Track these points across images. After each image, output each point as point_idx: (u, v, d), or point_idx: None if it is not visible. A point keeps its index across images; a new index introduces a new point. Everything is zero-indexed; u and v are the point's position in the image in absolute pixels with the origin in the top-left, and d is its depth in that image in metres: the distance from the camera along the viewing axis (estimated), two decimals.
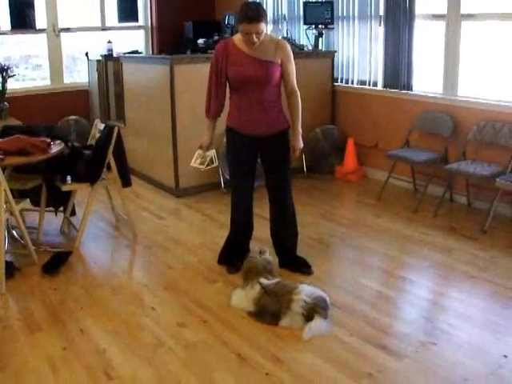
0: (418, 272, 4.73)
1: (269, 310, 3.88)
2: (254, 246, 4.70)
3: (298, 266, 4.70)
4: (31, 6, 8.34)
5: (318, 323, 3.74)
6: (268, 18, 7.12)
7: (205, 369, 3.41)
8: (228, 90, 4.49)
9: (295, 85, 4.52)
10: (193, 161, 4.66)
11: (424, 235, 5.44)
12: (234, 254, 4.75)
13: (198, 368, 3.41)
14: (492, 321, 3.91)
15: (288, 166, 4.63)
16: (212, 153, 4.64)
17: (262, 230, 4.98)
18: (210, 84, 4.48)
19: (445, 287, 4.47)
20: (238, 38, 4.37)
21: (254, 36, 4.17)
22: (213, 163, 4.67)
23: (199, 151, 4.62)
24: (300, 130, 4.60)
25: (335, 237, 5.47)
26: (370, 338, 3.71)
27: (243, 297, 4.06)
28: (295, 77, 4.53)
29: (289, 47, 4.45)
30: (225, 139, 4.93)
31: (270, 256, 4.27)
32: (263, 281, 4.00)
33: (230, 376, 3.34)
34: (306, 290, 3.90)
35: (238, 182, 4.66)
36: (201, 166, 4.64)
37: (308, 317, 3.78)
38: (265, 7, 8.60)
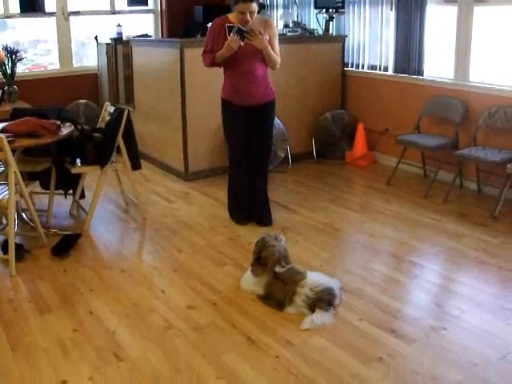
0: (427, 257, 4.71)
1: (275, 296, 3.88)
2: (267, 231, 4.69)
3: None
4: None
5: (319, 316, 3.72)
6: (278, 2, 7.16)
7: (214, 351, 3.41)
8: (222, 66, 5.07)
9: (279, 58, 5.08)
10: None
11: (434, 221, 5.42)
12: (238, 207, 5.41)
13: (207, 350, 3.42)
14: (502, 306, 3.89)
15: (270, 135, 5.33)
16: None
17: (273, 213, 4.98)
18: (205, 53, 5.04)
19: (455, 273, 4.45)
20: (232, 16, 4.95)
21: (248, 15, 4.76)
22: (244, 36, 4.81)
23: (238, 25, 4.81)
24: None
25: (345, 222, 5.46)
26: (380, 322, 3.71)
27: (255, 281, 4.04)
28: (279, 51, 5.09)
29: (275, 25, 5.19)
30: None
31: (285, 242, 4.23)
32: (278, 269, 3.98)
33: (240, 358, 3.34)
34: (312, 281, 3.86)
35: (236, 155, 5.23)
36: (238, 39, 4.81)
37: (310, 309, 3.77)
38: None
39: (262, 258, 4.02)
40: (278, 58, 5.04)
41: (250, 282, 4.10)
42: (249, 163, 5.22)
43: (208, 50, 5.01)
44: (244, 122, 5.08)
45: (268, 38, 4.96)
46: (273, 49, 4.98)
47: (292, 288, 3.85)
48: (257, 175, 5.27)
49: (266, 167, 5.35)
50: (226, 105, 5.14)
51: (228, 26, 4.81)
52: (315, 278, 3.93)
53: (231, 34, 4.77)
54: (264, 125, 5.17)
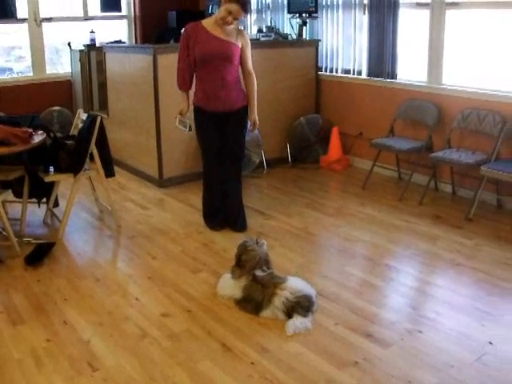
0: (403, 260, 4.72)
1: (253, 299, 3.86)
2: (242, 237, 4.67)
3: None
4: None
5: (300, 320, 3.70)
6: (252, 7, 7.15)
7: (189, 359, 3.38)
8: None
9: (251, 67, 5.14)
10: (176, 122, 5.17)
11: (409, 223, 5.44)
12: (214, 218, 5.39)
13: (182, 358, 3.39)
14: (477, 308, 3.91)
15: (243, 140, 5.26)
16: (190, 120, 5.16)
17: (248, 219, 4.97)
18: (180, 60, 5.05)
19: (430, 275, 4.47)
20: (205, 22, 4.99)
21: (232, 18, 4.77)
22: (191, 130, 5.18)
23: (179, 116, 5.14)
24: (255, 105, 5.20)
25: (320, 226, 5.46)
26: (355, 326, 3.70)
27: (233, 284, 4.02)
28: (251, 61, 5.15)
29: (247, 35, 5.16)
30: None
31: (267, 247, 4.20)
32: (258, 273, 3.96)
33: (215, 366, 3.31)
34: (292, 286, 3.85)
35: (209, 161, 5.21)
36: (184, 129, 5.15)
37: (288, 314, 3.75)
38: None
39: (243, 261, 4.00)
40: (253, 76, 5.15)
41: (228, 286, 4.08)
42: (223, 169, 5.21)
43: (183, 57, 5.00)
44: (216, 127, 5.09)
45: (241, 46, 5.00)
46: (246, 58, 5.06)
47: (271, 290, 3.84)
48: (231, 181, 5.25)
49: (240, 173, 5.34)
50: (198, 111, 5.13)
51: (180, 120, 5.13)
52: (295, 284, 3.92)
53: (179, 125, 5.14)
54: (236, 131, 5.15)
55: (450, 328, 3.67)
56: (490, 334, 3.59)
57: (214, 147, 5.15)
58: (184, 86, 5.13)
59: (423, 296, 4.15)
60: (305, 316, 3.73)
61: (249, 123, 5.20)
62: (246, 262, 3.99)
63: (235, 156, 5.22)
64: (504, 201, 5.79)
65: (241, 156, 5.30)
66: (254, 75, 5.14)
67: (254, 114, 5.17)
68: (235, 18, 4.78)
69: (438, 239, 5.08)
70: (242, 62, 5.07)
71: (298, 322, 3.69)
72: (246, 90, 5.17)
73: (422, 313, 3.88)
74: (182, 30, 5.08)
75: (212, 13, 8.21)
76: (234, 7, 4.71)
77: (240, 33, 5.04)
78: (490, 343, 3.50)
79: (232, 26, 4.91)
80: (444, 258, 4.71)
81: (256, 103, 5.19)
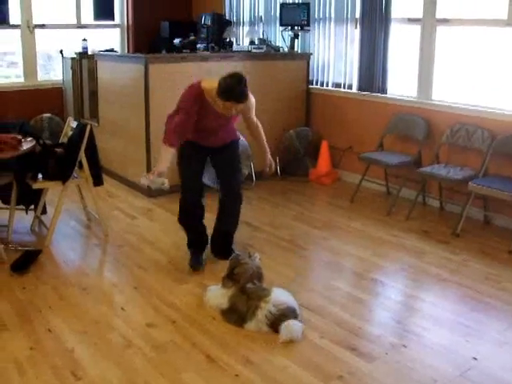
0: (389, 275, 4.73)
1: (238, 310, 3.87)
2: (241, 248, 4.78)
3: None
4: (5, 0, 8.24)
5: (293, 321, 3.72)
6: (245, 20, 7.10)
7: (173, 370, 3.37)
8: None
9: (255, 119, 4.71)
10: (144, 181, 4.34)
11: (396, 238, 5.45)
12: (196, 251, 4.88)
13: (166, 369, 3.38)
14: (462, 323, 3.92)
15: (239, 170, 4.99)
16: (165, 180, 4.31)
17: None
18: (183, 112, 4.44)
19: (416, 290, 4.48)
20: (208, 92, 4.38)
21: (235, 109, 4.34)
22: (164, 185, 4.32)
23: (152, 176, 4.30)
24: (267, 147, 4.85)
25: (308, 239, 5.46)
26: (340, 340, 3.70)
27: (220, 294, 4.02)
28: (254, 111, 4.68)
29: (252, 98, 4.57)
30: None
31: (260, 261, 4.20)
32: (250, 286, 3.96)
33: (199, 377, 3.30)
34: (275, 299, 3.84)
35: (188, 184, 4.76)
36: (156, 186, 4.37)
37: (272, 326, 3.75)
38: (241, 8, 8.62)
39: (236, 275, 4.00)
40: (259, 125, 4.74)
41: (216, 295, 4.07)
42: (220, 207, 4.89)
43: (187, 110, 4.41)
44: (204, 156, 4.73)
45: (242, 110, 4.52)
46: (249, 117, 4.64)
47: (255, 303, 3.83)
48: (227, 220, 4.93)
49: (238, 212, 4.96)
50: (185, 145, 4.61)
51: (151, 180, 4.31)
52: (280, 296, 3.91)
53: (149, 182, 4.33)
54: (230, 163, 4.79)
55: (435, 343, 3.68)
56: (474, 350, 3.60)
57: (196, 169, 4.71)
58: (182, 138, 4.49)
59: (408, 310, 4.16)
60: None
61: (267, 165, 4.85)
62: (238, 276, 3.99)
63: (234, 195, 4.84)
64: (491, 217, 5.82)
65: (239, 195, 4.88)
66: (259, 124, 4.73)
67: (269, 156, 4.85)
68: (237, 108, 4.36)
69: (425, 254, 5.09)
70: (246, 119, 4.68)
71: (292, 323, 3.71)
72: (256, 139, 4.86)
73: (407, 327, 3.88)
74: (188, 88, 4.51)
75: (205, 24, 8.23)
76: (231, 105, 4.27)
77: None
78: (475, 359, 3.50)
79: None
80: (430, 273, 4.72)
81: (267, 147, 4.85)
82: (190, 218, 4.84)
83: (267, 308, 3.78)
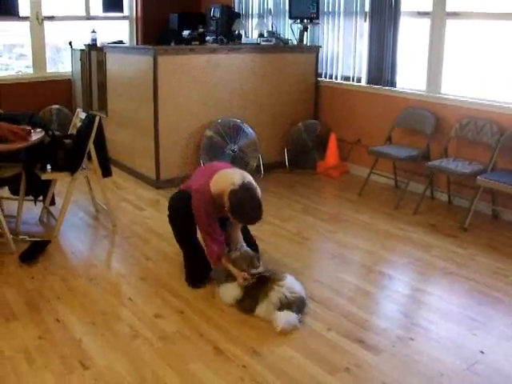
0: (396, 268, 4.73)
1: (251, 295, 3.90)
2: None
3: None
4: None
5: (291, 316, 3.73)
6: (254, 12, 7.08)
7: (181, 360, 3.38)
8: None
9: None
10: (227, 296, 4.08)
11: (404, 232, 5.45)
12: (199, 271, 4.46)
13: (173, 359, 3.39)
14: (469, 317, 3.92)
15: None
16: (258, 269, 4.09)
17: None
18: (206, 229, 4.18)
19: (423, 283, 4.48)
20: (212, 198, 4.11)
21: None
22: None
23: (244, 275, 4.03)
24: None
25: (315, 231, 5.47)
26: (347, 332, 3.71)
27: (233, 286, 4.04)
28: None
29: None
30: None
31: (246, 247, 4.25)
32: (254, 271, 4.01)
33: (206, 368, 3.32)
34: (290, 285, 3.88)
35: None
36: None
37: (280, 310, 3.77)
38: (250, 0, 8.62)
39: (236, 265, 4.06)
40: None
41: (230, 289, 4.06)
42: None
43: (212, 236, 4.16)
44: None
45: None
46: None
47: (270, 284, 3.86)
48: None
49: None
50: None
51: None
52: (293, 284, 3.94)
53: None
54: None
55: (442, 336, 3.68)
56: (481, 343, 3.60)
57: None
58: (219, 256, 4.18)
59: (416, 304, 4.16)
60: (296, 314, 3.77)
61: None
62: (238, 266, 4.04)
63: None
64: (499, 211, 5.81)
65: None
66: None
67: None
68: None
69: (433, 248, 5.09)
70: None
71: (288, 316, 3.71)
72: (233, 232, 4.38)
73: (414, 320, 3.88)
74: (199, 195, 4.15)
75: (214, 16, 8.23)
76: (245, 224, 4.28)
77: None
78: (482, 352, 3.50)
79: None
80: (438, 267, 4.72)
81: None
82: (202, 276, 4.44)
83: (282, 291, 3.80)
